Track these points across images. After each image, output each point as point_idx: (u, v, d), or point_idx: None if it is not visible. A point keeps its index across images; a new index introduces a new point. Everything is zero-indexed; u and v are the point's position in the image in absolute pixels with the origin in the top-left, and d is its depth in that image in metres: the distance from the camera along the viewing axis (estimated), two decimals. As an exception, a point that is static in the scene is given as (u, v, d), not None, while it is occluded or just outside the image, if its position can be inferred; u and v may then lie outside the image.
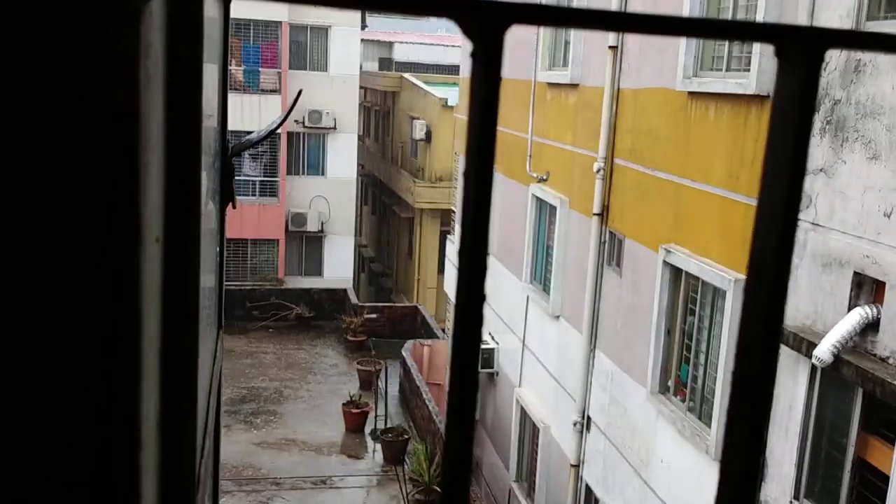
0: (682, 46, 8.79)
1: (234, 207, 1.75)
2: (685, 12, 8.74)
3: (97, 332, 0.46)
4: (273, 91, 25.71)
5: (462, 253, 0.45)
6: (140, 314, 0.46)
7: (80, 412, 0.48)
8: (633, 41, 10.13)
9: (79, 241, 0.44)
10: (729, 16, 8.32)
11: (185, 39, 0.62)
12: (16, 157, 0.43)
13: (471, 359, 0.46)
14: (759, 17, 7.51)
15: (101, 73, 0.42)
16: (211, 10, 1.26)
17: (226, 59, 1.69)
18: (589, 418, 11.13)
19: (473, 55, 0.44)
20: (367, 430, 18.01)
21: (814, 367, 6.62)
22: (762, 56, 7.48)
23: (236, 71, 25.72)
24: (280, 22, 25.65)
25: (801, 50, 0.46)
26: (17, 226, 0.43)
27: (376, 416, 17.81)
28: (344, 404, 18.22)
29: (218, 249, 1.71)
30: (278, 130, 25.58)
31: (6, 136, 0.42)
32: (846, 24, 6.50)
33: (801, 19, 6.97)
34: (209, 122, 1.29)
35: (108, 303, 0.44)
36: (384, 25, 46.78)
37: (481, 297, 0.47)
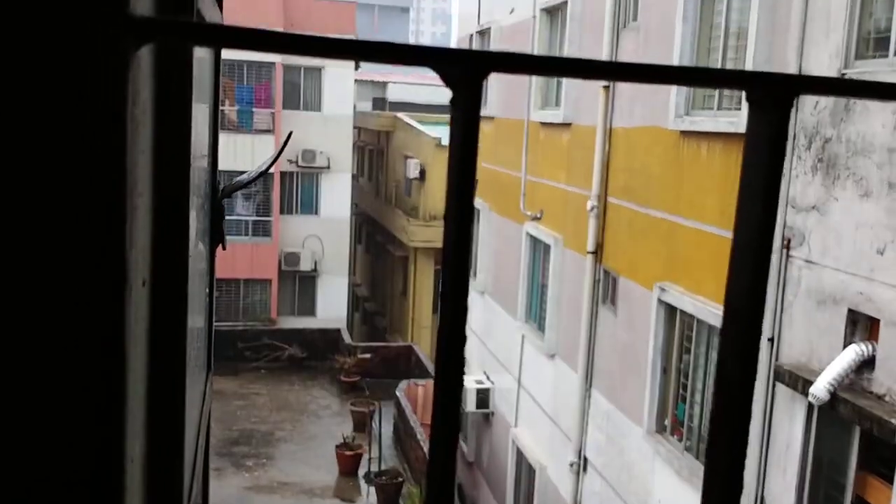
0: (673, 86, 8.88)
1: (223, 248, 1.74)
2: (675, 52, 8.85)
3: (81, 374, 0.45)
4: (267, 131, 25.85)
5: (443, 296, 0.44)
6: (125, 358, 0.44)
7: (61, 452, 0.46)
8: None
9: (63, 284, 0.43)
10: (719, 55, 8.43)
11: (173, 87, 0.62)
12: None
13: (453, 400, 0.45)
14: (749, 56, 7.61)
15: (89, 119, 0.41)
16: (201, 51, 1.26)
17: (216, 100, 1.69)
18: (586, 459, 11.03)
19: (452, 102, 0.45)
20: (361, 472, 17.80)
21: (810, 405, 6.58)
22: (752, 95, 7.55)
23: (230, 111, 25.88)
24: (274, 63, 25.89)
25: (772, 95, 0.46)
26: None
27: (370, 459, 17.61)
28: (337, 446, 18.02)
29: (207, 291, 1.69)
30: (271, 170, 25.68)
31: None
32: (835, 63, 6.58)
33: (791, 58, 7.05)
34: (200, 162, 1.28)
35: (92, 346, 0.43)
36: (378, 66, 47.29)
37: (462, 339, 0.46)
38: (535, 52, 12.86)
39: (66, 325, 0.44)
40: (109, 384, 0.44)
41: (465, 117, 0.44)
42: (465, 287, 0.47)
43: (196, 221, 1.23)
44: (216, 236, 1.60)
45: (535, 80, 12.92)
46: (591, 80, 0.45)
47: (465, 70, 0.43)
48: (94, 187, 0.43)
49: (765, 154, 0.47)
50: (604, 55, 10.48)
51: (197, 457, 1.23)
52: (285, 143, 2.93)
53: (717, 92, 8.47)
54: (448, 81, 0.44)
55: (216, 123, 1.64)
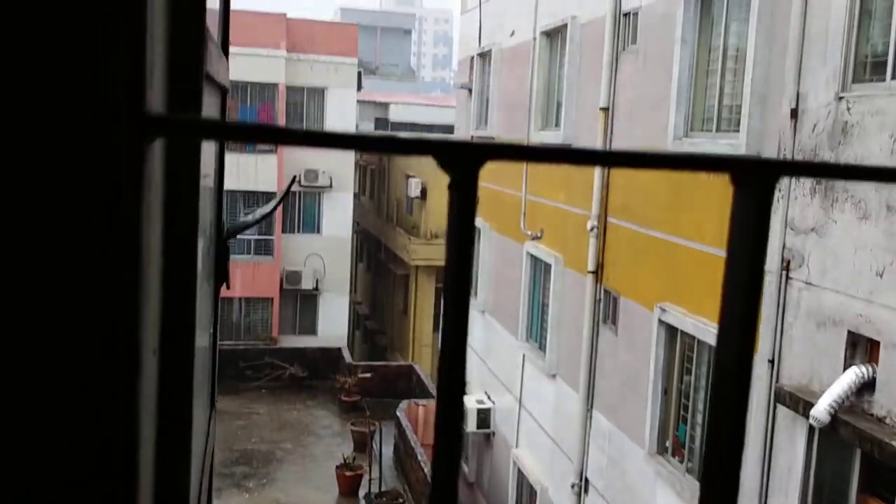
0: (673, 107, 8.94)
1: (227, 288, 1.77)
2: (674, 74, 8.91)
3: (95, 450, 0.47)
4: (269, 151, 25.94)
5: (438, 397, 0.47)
6: (137, 434, 0.47)
7: None
8: (624, 102, 10.30)
9: (79, 361, 0.46)
10: (717, 77, 8.48)
11: (185, 167, 0.65)
12: (19, 278, 0.45)
13: (455, 421, 0.48)
14: (748, 79, 7.66)
15: (106, 211, 0.44)
16: (208, 105, 1.30)
17: (223, 144, 1.72)
18: (587, 480, 10.99)
19: (450, 187, 0.48)
20: (362, 493, 17.72)
21: (811, 428, 6.58)
22: (751, 117, 7.61)
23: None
24: (277, 84, 26.02)
25: (754, 179, 0.49)
26: (14, 340, 0.45)
27: (370, 479, 17.54)
28: (337, 467, 17.95)
29: (212, 330, 1.72)
30: (272, 188, 25.74)
31: (10, 259, 0.45)
32: (833, 86, 6.63)
33: (788, 81, 7.10)
34: (207, 207, 1.31)
35: (106, 423, 0.46)
36: (380, 87, 47.51)
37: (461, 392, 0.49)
38: (535, 75, 12.94)
39: (77, 400, 0.46)
40: (123, 461, 0.46)
41: (463, 203, 0.47)
42: (463, 373, 0.50)
43: (201, 264, 1.26)
44: (221, 276, 1.63)
45: (536, 101, 13.00)
46: (583, 166, 0.49)
47: (463, 159, 0.46)
48: (110, 270, 0.46)
49: (749, 235, 0.50)
50: (603, 78, 10.55)
51: (201, 499, 1.25)
52: (289, 186, 2.98)
53: (716, 114, 8.52)
54: (446, 169, 0.47)
55: (222, 162, 1.68)
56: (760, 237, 0.51)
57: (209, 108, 1.28)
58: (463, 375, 0.49)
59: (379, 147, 0.50)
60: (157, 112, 0.53)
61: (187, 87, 0.70)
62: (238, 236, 27.79)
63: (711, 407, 0.55)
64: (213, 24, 1.41)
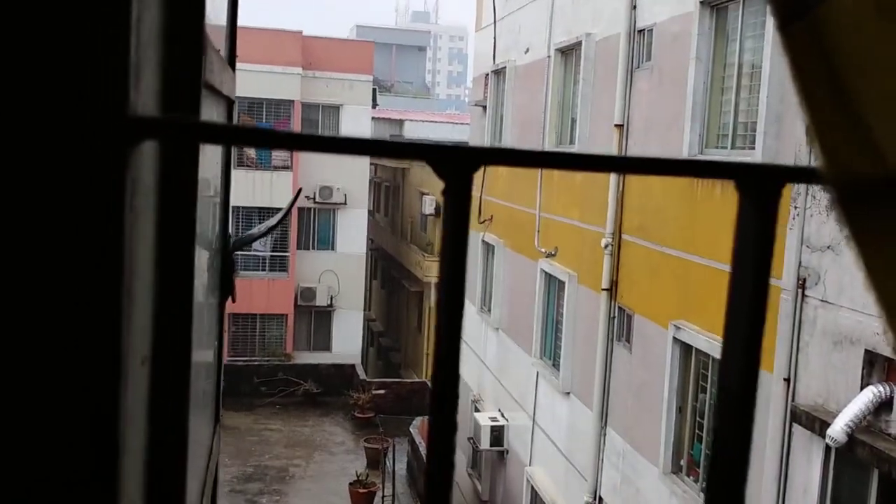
0: (688, 123, 8.92)
1: (233, 301, 1.77)
2: (689, 91, 8.89)
3: (72, 457, 0.46)
4: (285, 168, 26.08)
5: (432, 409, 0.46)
6: (118, 437, 0.46)
7: None
8: (638, 118, 10.29)
9: (57, 366, 0.45)
10: (732, 94, 8.46)
11: (181, 171, 0.64)
12: None
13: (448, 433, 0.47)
14: (763, 95, 7.63)
15: (85, 214, 0.43)
16: (213, 104, 1.29)
17: (229, 151, 1.72)
18: (601, 498, 10.89)
19: (444, 192, 0.47)
20: (375, 509, 17.65)
21: (828, 447, 6.50)
22: (766, 134, 7.58)
23: (248, 148, 26.13)
24: (292, 101, 26.19)
25: (759, 185, 0.48)
26: None
27: (384, 496, 17.47)
28: (351, 484, 17.90)
29: (217, 343, 1.71)
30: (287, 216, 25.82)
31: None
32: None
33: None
34: (212, 220, 1.31)
35: (86, 425, 0.45)
36: (395, 104, 47.74)
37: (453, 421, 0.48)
38: (550, 92, 12.96)
39: (58, 408, 0.46)
40: (102, 466, 0.45)
41: (456, 207, 0.46)
42: (456, 380, 0.49)
43: (205, 277, 1.26)
44: (226, 290, 1.62)
45: (550, 118, 13.01)
46: (578, 171, 0.48)
47: (457, 165, 0.46)
48: (89, 275, 0.45)
49: (755, 242, 0.49)
50: (618, 95, 10.55)
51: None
52: (295, 198, 2.98)
53: (731, 130, 8.49)
54: (441, 174, 0.47)
55: (229, 172, 1.68)
56: (765, 245, 0.49)
57: (212, 118, 1.28)
58: (456, 382, 0.48)
59: (371, 150, 0.49)
60: (145, 108, 0.53)
61: (183, 94, 0.70)
62: (253, 253, 27.90)
63: (715, 428, 0.54)
64: (218, 37, 1.41)
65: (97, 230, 0.43)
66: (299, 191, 3.20)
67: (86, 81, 0.43)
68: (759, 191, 0.49)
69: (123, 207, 0.43)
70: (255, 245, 26.51)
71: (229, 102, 1.47)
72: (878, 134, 0.46)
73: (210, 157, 1.28)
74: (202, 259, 1.09)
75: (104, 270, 0.44)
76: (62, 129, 0.43)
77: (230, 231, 1.73)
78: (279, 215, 2.61)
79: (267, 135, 0.47)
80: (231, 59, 1.66)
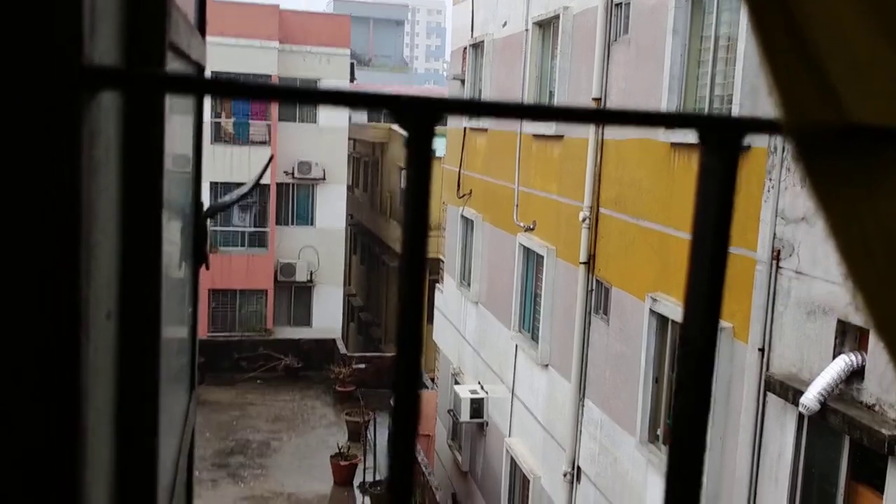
0: (665, 96, 8.95)
1: (206, 269, 1.77)
2: (666, 64, 8.91)
3: (33, 404, 0.47)
4: (262, 143, 25.89)
5: (398, 337, 0.47)
6: (80, 389, 0.47)
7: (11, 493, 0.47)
8: (616, 92, 10.30)
9: (16, 317, 0.46)
10: (709, 67, 8.48)
11: (144, 124, 0.64)
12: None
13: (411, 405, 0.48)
14: (739, 68, 7.66)
15: (40, 165, 0.44)
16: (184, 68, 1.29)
17: (200, 115, 1.71)
18: (579, 468, 11.03)
19: (407, 143, 0.48)
20: (356, 482, 17.77)
21: (801, 415, 6.61)
22: (742, 107, 7.62)
23: (226, 123, 25.91)
24: (270, 75, 25.95)
25: (721, 136, 0.49)
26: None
27: (365, 468, 17.59)
28: (332, 456, 18.00)
29: (191, 309, 1.72)
30: (267, 182, 25.69)
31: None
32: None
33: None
34: (180, 184, 1.31)
35: (47, 380, 0.45)
36: (373, 78, 47.38)
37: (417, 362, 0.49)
38: (528, 65, 12.93)
39: (19, 359, 0.46)
40: (64, 418, 0.46)
41: (419, 157, 0.48)
42: (419, 324, 0.50)
43: (177, 243, 1.26)
44: (199, 256, 1.63)
45: (528, 91, 12.98)
46: (539, 121, 0.49)
47: (419, 114, 0.47)
48: (46, 227, 0.45)
49: (716, 191, 0.50)
50: (595, 68, 10.55)
51: (178, 478, 1.25)
52: (266, 165, 2.97)
53: (707, 103, 8.53)
54: (403, 125, 0.47)
55: (200, 141, 1.68)
56: (727, 196, 0.51)
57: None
58: (418, 349, 0.49)
59: (333, 101, 0.50)
60: (103, 59, 0.53)
61: (147, 51, 0.70)
62: (232, 228, 27.69)
63: (678, 375, 0.55)
64: (187, 3, 1.40)
65: (51, 178, 0.44)
66: (271, 157, 3.20)
67: (38, 28, 0.43)
68: (722, 142, 0.50)
69: (79, 156, 0.44)
70: (235, 221, 26.37)
71: (199, 69, 1.46)
72: (836, 83, 0.47)
73: (180, 121, 1.28)
74: (172, 221, 1.10)
75: (59, 217, 0.44)
76: (13, 75, 0.43)
77: (203, 201, 1.74)
78: (251, 182, 2.60)
79: (232, 85, 0.47)
80: (201, 26, 1.66)
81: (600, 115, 0.56)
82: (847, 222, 0.51)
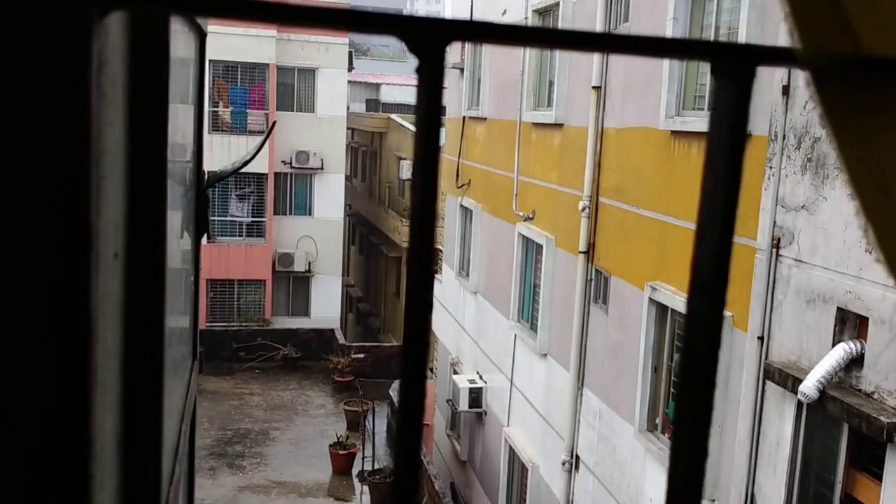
0: (665, 86, 8.92)
1: (209, 239, 1.76)
2: (665, 64, 8.86)
3: (42, 341, 0.46)
4: (260, 132, 25.84)
5: (409, 269, 0.46)
6: (91, 325, 0.46)
7: (20, 434, 0.46)
8: (616, 81, 10.27)
9: (23, 251, 0.44)
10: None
11: (150, 61, 0.63)
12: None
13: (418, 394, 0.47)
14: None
15: (48, 85, 0.43)
16: (183, 32, 1.27)
17: (201, 88, 1.70)
18: (577, 457, 11.05)
19: (418, 70, 0.46)
20: (355, 471, 17.81)
21: (800, 403, 6.62)
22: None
23: (224, 112, 25.85)
24: (268, 64, 25.88)
25: (734, 66, 0.48)
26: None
27: (364, 458, 17.62)
28: (331, 445, 18.03)
29: (193, 279, 1.71)
30: (265, 171, 25.65)
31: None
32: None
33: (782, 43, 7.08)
34: (183, 153, 1.30)
35: (55, 311, 0.44)
36: (371, 67, 47.26)
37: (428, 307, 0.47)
38: (527, 54, 12.88)
39: (26, 291, 0.45)
40: (73, 354, 0.45)
41: (430, 83, 0.45)
42: (431, 264, 0.48)
43: (180, 209, 1.25)
44: (202, 225, 1.62)
45: (528, 81, 12.95)
46: (550, 48, 0.48)
47: (430, 38, 0.45)
48: (55, 152, 0.44)
49: (729, 124, 0.48)
50: (595, 57, 10.51)
51: (181, 443, 1.24)
52: (269, 131, 2.95)
53: (708, 91, 8.50)
54: (413, 49, 0.46)
55: (201, 115, 1.66)
56: (739, 126, 0.49)
57: (186, 48, 1.26)
58: (427, 318, 0.47)
59: (339, 23, 0.48)
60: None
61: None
62: (230, 218, 27.64)
63: (681, 363, 0.53)
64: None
65: (61, 98, 0.42)
66: (273, 124, 3.17)
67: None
68: (734, 71, 0.48)
69: (89, 74, 0.42)
70: (233, 211, 26.33)
71: (202, 35, 1.44)
72: (853, 13, 0.46)
73: (182, 60, 1.26)
74: (179, 191, 1.08)
75: (69, 141, 0.43)
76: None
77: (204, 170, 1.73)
78: (252, 150, 2.59)
79: (239, 3, 0.45)
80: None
81: (609, 41, 0.53)
82: (861, 154, 0.50)
